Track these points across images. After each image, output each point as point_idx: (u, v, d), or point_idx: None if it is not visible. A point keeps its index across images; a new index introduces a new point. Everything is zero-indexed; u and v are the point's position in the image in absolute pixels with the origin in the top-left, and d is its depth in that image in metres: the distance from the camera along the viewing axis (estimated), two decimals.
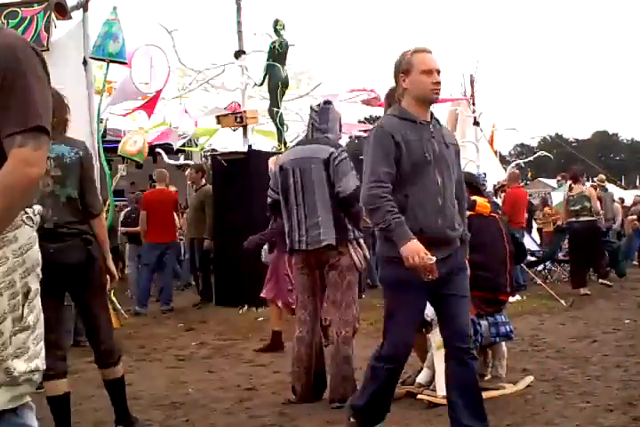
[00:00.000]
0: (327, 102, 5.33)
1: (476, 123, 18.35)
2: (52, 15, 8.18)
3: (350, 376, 5.00)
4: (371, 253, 5.44)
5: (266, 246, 6.87)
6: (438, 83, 3.78)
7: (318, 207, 4.98)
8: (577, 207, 11.15)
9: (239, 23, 11.17)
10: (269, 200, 5.31)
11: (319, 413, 4.84)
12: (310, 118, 5.31)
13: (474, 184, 5.33)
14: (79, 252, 4.09)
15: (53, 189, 4.10)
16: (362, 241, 5.11)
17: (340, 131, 5.37)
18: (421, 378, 5.08)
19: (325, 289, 5.12)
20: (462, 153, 18.02)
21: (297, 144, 5.76)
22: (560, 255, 13.16)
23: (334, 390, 4.98)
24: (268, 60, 10.94)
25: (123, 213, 12.24)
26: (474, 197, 5.20)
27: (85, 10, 8.31)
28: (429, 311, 4.89)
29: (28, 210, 2.26)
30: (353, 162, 5.09)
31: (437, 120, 3.90)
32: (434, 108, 3.97)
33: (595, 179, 16.92)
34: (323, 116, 5.22)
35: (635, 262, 15.66)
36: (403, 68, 3.81)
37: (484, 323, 5.10)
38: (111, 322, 4.52)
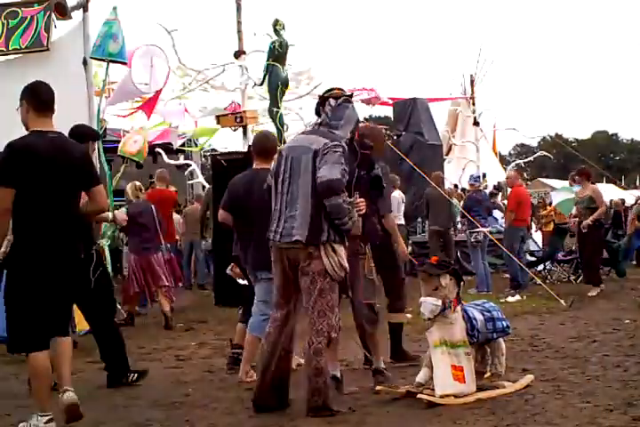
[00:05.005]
0: (347, 100, 4.98)
1: (476, 123, 18.36)
2: (52, 15, 8.19)
3: (323, 389, 4.61)
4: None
5: None
6: None
7: (299, 199, 4.69)
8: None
9: (239, 23, 11.13)
10: (265, 185, 5.04)
11: None
12: (323, 112, 4.94)
13: None
14: None
15: None
16: (338, 246, 4.68)
17: (353, 133, 4.99)
18: (421, 377, 5.07)
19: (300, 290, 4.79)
20: (462, 153, 18.05)
21: (302, 132, 5.57)
22: (560, 255, 13.15)
23: (308, 401, 4.67)
24: (267, 60, 10.94)
25: None
26: None
27: (85, 10, 8.31)
28: (426, 310, 4.90)
29: None
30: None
31: None
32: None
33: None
34: (338, 112, 4.89)
35: (634, 262, 15.63)
36: None
37: (480, 319, 5.09)
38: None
